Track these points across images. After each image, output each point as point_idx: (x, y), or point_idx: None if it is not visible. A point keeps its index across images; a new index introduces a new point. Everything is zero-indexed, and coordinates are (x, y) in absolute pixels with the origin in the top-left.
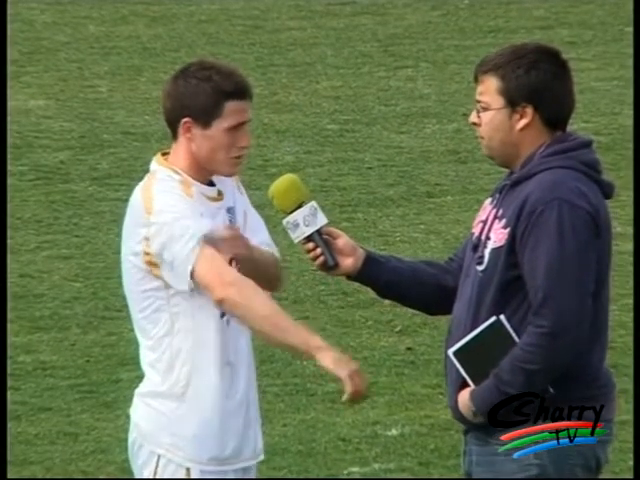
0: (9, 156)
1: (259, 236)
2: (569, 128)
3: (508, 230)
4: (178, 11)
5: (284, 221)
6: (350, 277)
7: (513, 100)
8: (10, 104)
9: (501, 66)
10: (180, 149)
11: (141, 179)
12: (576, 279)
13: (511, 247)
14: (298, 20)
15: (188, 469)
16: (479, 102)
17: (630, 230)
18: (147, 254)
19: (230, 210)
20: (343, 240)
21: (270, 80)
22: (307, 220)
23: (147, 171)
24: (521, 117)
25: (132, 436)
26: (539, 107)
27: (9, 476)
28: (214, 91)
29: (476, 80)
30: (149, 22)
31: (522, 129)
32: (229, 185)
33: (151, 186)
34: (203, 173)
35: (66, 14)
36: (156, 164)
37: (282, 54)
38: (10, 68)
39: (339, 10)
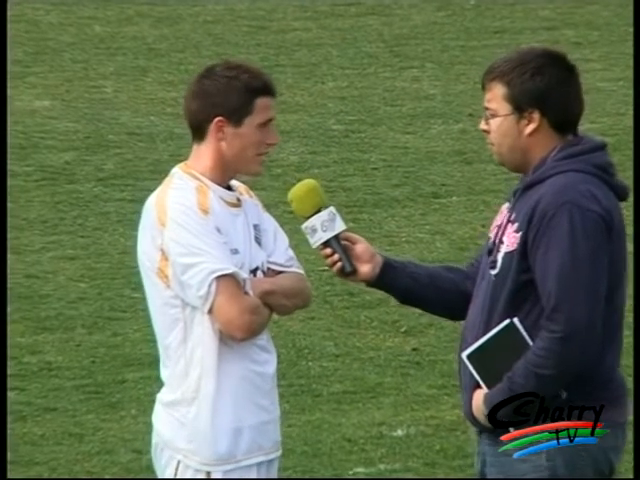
0: (14, 157)
1: (287, 253)
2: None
3: (520, 234)
4: (183, 12)
5: (303, 226)
6: (369, 284)
7: (519, 106)
8: (15, 104)
9: (507, 72)
10: (205, 150)
11: (146, 180)
12: (588, 283)
13: (523, 251)
14: (303, 20)
15: (208, 472)
16: (487, 109)
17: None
18: (161, 270)
19: (257, 227)
20: (362, 246)
21: (275, 81)
22: (325, 225)
23: (153, 172)
24: (529, 122)
25: (155, 439)
26: (546, 112)
27: (15, 476)
28: (245, 88)
29: (483, 87)
30: (154, 23)
31: (530, 134)
32: (252, 204)
33: (165, 196)
34: (225, 175)
35: (71, 15)
36: (177, 167)
37: (287, 54)
38: (15, 68)
39: (344, 11)
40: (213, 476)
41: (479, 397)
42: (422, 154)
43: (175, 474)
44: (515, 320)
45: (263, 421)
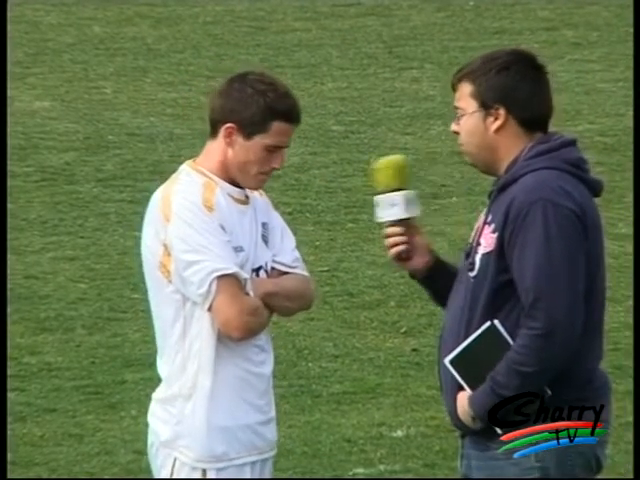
0: (14, 157)
1: (293, 254)
2: (574, 130)
3: (496, 235)
4: (183, 12)
5: (380, 197)
6: (414, 276)
7: (485, 102)
8: (15, 105)
9: (474, 70)
10: (215, 149)
11: (146, 180)
12: (565, 278)
13: (500, 251)
14: (303, 21)
15: (204, 470)
16: (457, 109)
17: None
18: (163, 265)
19: (265, 225)
20: (421, 239)
21: None
22: (406, 204)
23: (153, 172)
24: (495, 119)
25: (151, 438)
26: (511, 108)
27: (15, 476)
28: (266, 107)
29: (453, 88)
30: (154, 23)
31: (497, 131)
32: (261, 202)
33: (171, 191)
34: (232, 177)
35: (71, 15)
36: (185, 164)
37: (287, 55)
38: (15, 69)
39: (344, 11)
40: (208, 475)
41: (464, 399)
42: (422, 155)
43: (171, 473)
44: (496, 322)
45: (258, 421)
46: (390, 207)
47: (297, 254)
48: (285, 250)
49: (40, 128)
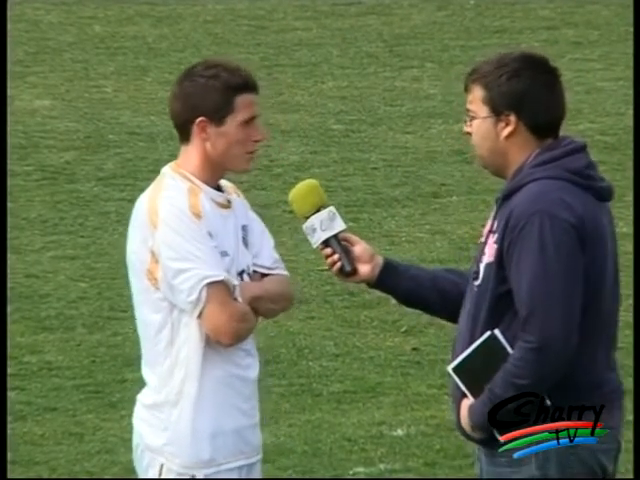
0: (15, 156)
1: (273, 256)
2: (575, 129)
3: (497, 245)
4: (183, 11)
5: (303, 226)
6: (370, 285)
7: (496, 109)
8: (16, 104)
9: (485, 75)
10: (192, 151)
11: (146, 179)
12: (560, 292)
13: (500, 262)
14: (304, 20)
15: (193, 475)
16: (469, 111)
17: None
18: (150, 272)
19: (244, 228)
20: (361, 247)
21: (275, 80)
22: (324, 224)
23: (153, 172)
24: (505, 125)
25: (136, 440)
26: (521, 115)
27: (15, 476)
28: (224, 87)
29: (466, 89)
30: (155, 22)
31: (507, 137)
32: (240, 204)
33: (157, 197)
34: (214, 175)
35: (72, 14)
36: (167, 167)
37: (288, 54)
38: (16, 68)
39: (345, 10)
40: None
41: (465, 408)
42: (422, 154)
43: (160, 472)
44: (496, 331)
45: (244, 425)
46: (313, 232)
47: (276, 255)
48: (265, 252)
49: (40, 127)
